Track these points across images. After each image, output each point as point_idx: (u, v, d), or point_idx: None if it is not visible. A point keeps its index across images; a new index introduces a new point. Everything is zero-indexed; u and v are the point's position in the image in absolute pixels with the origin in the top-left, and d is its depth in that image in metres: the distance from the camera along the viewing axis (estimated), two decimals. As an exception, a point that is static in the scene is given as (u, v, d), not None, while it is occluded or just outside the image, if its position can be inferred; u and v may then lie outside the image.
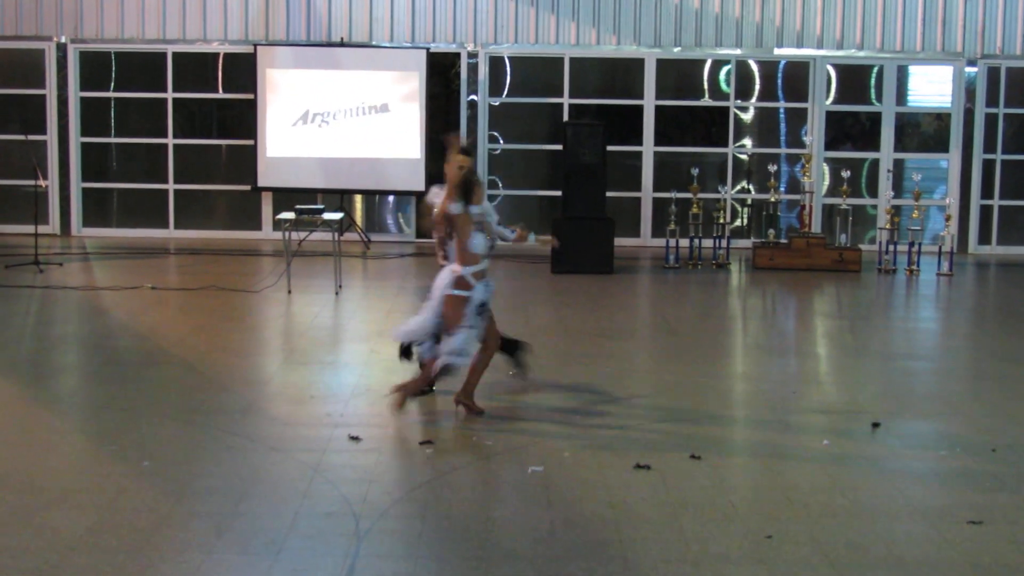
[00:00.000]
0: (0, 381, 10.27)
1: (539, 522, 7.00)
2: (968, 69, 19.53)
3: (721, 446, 8.63)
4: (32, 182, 17.39)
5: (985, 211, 19.89)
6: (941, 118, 20.07)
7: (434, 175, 19.17)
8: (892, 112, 19.79)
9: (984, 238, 19.99)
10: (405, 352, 9.75)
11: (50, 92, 19.88)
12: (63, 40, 19.71)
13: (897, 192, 19.18)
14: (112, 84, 20.11)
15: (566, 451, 8.34)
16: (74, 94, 19.92)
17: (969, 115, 19.64)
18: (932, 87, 20.10)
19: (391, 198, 20.22)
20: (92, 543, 6.59)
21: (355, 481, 7.64)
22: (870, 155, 19.90)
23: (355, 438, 8.59)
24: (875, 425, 9.12)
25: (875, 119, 19.92)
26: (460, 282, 8.84)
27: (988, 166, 19.80)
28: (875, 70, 19.75)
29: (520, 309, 14.20)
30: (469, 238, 8.92)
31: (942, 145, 19.99)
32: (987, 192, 19.84)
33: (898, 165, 19.75)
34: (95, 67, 20.05)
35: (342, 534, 6.75)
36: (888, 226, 17.87)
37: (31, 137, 18.66)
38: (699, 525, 6.98)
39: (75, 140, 19.98)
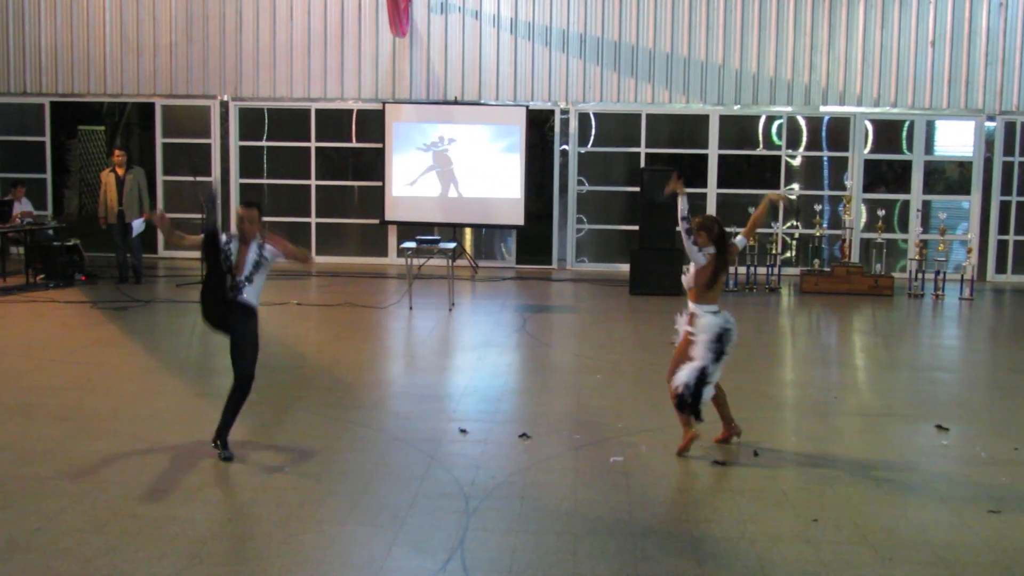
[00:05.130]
0: (173, 380, 10.49)
1: (619, 504, 7.00)
2: (988, 124, 19.20)
3: (775, 442, 8.55)
4: (199, 215, 17.71)
5: (1002, 245, 19.50)
6: (963, 166, 19.73)
7: (532, 213, 19.34)
8: (921, 160, 19.49)
9: (1001, 268, 19.59)
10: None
11: (215, 141, 20.26)
12: (225, 98, 20.07)
13: (925, 228, 18.87)
14: (265, 135, 20.43)
15: (643, 445, 8.32)
16: (234, 143, 20.28)
17: (988, 163, 19.30)
18: (956, 139, 19.76)
19: (496, 231, 20.28)
20: (247, 514, 6.72)
21: (465, 467, 7.70)
22: (902, 197, 19.61)
23: (464, 431, 8.64)
24: (940, 428, 9.03)
25: (906, 166, 19.62)
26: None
27: (1005, 207, 19.43)
28: (906, 124, 19.48)
29: (603, 324, 14.19)
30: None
31: (964, 188, 19.65)
32: (1003, 228, 19.46)
33: (926, 205, 19.44)
34: (251, 121, 20.39)
35: (454, 511, 6.80)
36: (917, 257, 17.67)
37: (199, 178, 19.03)
38: (755, 509, 6.93)
39: (235, 181, 20.32)
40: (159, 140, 20.40)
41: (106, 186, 16.71)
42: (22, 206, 17.40)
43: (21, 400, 9.46)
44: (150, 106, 20.42)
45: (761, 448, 8.27)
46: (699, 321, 8.03)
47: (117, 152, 16.89)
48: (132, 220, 16.61)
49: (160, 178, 20.31)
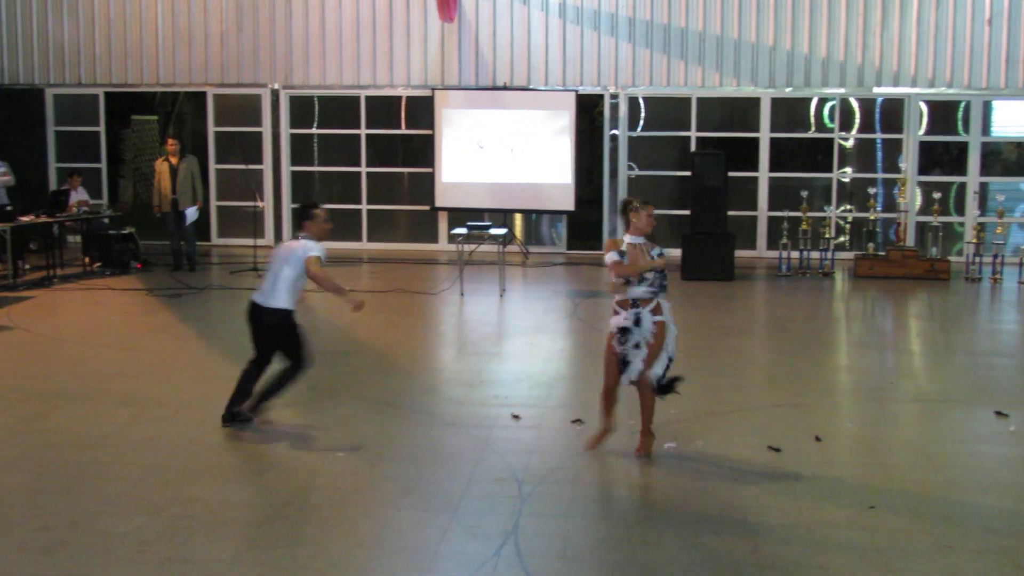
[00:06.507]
0: (228, 366, 10.51)
1: (673, 489, 6.99)
2: (1046, 103, 18.92)
3: (831, 428, 8.49)
4: (251, 203, 17.88)
5: (1061, 227, 19.25)
6: (1021, 146, 19.44)
7: (582, 198, 19.30)
8: (978, 141, 19.21)
9: (1060, 251, 19.32)
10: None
11: (266, 129, 20.39)
12: (276, 87, 20.19)
13: (982, 211, 18.64)
14: (316, 122, 20.54)
15: (695, 430, 8.29)
16: (285, 131, 20.40)
17: (1047, 143, 19.04)
18: (1013, 119, 19.46)
19: (546, 216, 20.27)
20: (302, 500, 6.79)
21: (518, 452, 7.72)
22: (958, 179, 19.34)
23: (517, 416, 8.67)
24: (1000, 414, 8.87)
25: (962, 148, 19.35)
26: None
27: (1064, 188, 19.18)
28: (962, 105, 19.20)
29: (654, 310, 14.13)
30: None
31: (1022, 170, 19.37)
32: (1063, 211, 19.21)
33: (983, 187, 19.16)
34: (302, 108, 20.50)
35: (508, 496, 6.83)
36: (974, 240, 17.42)
37: (251, 166, 19.17)
38: (811, 495, 6.90)
39: (286, 169, 20.45)
40: (211, 129, 20.56)
41: (160, 175, 16.90)
42: (78, 195, 17.63)
43: (80, 386, 9.61)
44: (202, 95, 20.59)
45: (815, 434, 8.21)
46: (663, 302, 8.08)
47: (170, 141, 17.08)
48: (186, 208, 16.80)
49: (212, 166, 20.48)
